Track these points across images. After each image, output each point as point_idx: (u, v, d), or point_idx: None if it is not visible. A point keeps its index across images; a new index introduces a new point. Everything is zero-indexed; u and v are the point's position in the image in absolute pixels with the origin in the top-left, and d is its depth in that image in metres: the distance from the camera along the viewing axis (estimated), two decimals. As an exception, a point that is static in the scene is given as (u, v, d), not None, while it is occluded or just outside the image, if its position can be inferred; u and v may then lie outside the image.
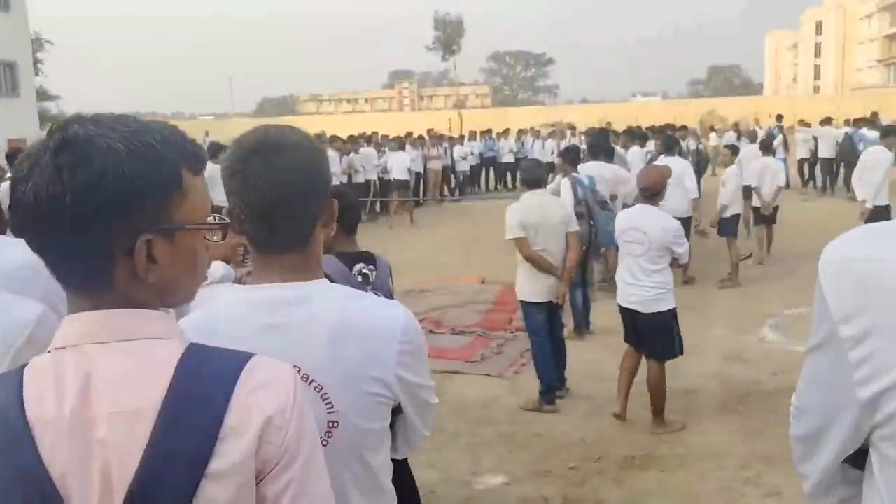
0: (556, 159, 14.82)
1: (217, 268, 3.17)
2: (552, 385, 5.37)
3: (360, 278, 3.10)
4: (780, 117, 19.67)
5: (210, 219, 1.10)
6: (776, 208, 10.43)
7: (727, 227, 9.16)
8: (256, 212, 1.31)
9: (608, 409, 5.35)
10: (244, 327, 1.30)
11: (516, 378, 6.10)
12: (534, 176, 5.61)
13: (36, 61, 36.29)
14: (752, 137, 17.07)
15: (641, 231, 4.86)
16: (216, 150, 11.34)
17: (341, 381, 1.30)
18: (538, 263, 5.33)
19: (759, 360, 6.32)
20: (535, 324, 5.43)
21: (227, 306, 1.37)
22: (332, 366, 1.30)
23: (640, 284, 4.87)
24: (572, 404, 5.47)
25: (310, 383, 1.29)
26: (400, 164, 16.40)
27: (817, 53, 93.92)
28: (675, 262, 5.11)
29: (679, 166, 8.30)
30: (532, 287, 5.39)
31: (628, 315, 5.03)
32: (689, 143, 13.64)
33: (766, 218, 10.32)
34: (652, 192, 4.96)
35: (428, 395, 1.45)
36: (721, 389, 5.66)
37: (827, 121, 18.34)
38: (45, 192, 0.94)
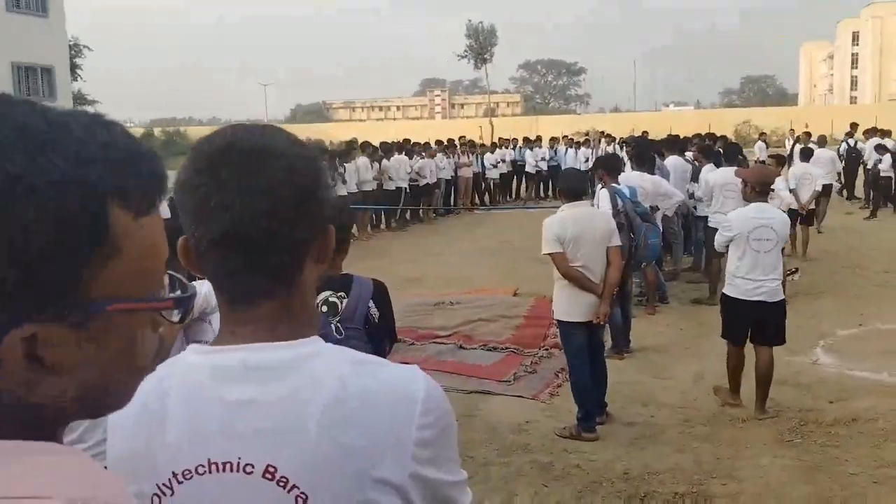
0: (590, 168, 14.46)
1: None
2: (592, 412, 5.00)
3: (324, 308, 2.74)
4: (853, 125, 18.80)
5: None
6: (812, 211, 11.26)
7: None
8: (222, 241, 0.94)
9: (653, 436, 4.99)
10: (204, 407, 0.95)
11: (552, 400, 5.74)
12: (574, 186, 5.25)
13: (74, 66, 36.73)
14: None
15: (770, 227, 5.24)
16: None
17: (333, 486, 0.92)
18: (577, 280, 4.97)
19: (813, 384, 5.89)
20: (574, 345, 5.07)
21: (183, 374, 0.98)
22: (322, 464, 0.92)
23: (770, 278, 5.23)
24: (614, 431, 5.09)
25: (289, 490, 0.92)
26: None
27: (854, 64, 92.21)
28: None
29: None
30: (570, 306, 5.03)
31: (751, 309, 5.22)
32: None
33: (803, 218, 10.83)
34: (767, 188, 5.49)
35: (458, 493, 1.02)
36: (774, 417, 5.24)
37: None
38: None
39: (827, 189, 12.93)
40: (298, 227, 0.97)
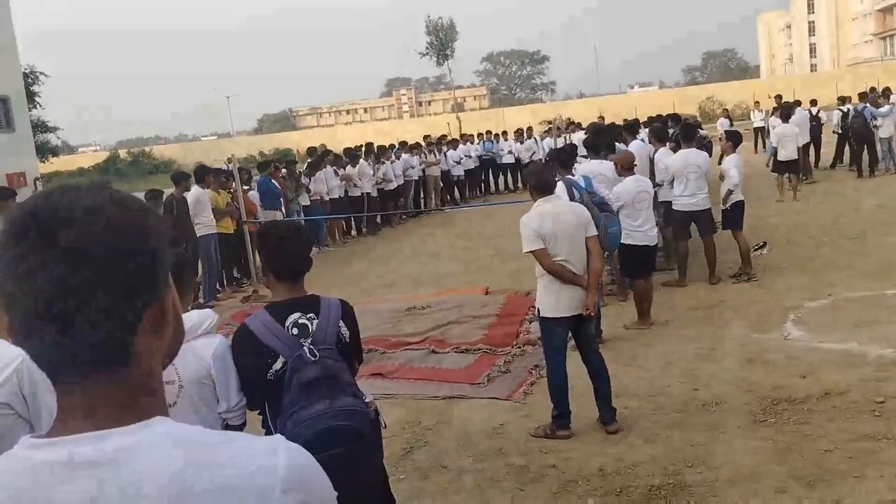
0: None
1: (190, 316, 2.67)
2: (566, 411, 4.94)
3: (294, 331, 2.70)
4: (814, 102, 18.98)
5: None
6: (795, 161, 13.67)
7: (732, 218, 8.70)
8: (34, 317, 0.86)
9: (627, 428, 4.96)
10: None
11: (526, 399, 5.69)
12: (543, 182, 5.16)
13: (32, 94, 36.09)
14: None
15: (646, 191, 7.31)
16: (203, 173, 11.01)
17: None
18: (561, 275, 4.89)
19: (784, 361, 5.88)
20: (556, 343, 4.96)
21: (5, 474, 0.87)
22: None
23: (650, 227, 7.33)
24: (588, 427, 5.04)
25: None
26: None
27: (811, 32, 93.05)
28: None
29: (702, 158, 8.72)
30: (557, 301, 4.93)
31: (645, 251, 7.28)
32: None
33: (790, 166, 13.36)
34: (631, 166, 7.41)
35: None
36: (746, 399, 5.22)
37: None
38: None
39: (805, 146, 15.58)
40: (118, 294, 0.87)
